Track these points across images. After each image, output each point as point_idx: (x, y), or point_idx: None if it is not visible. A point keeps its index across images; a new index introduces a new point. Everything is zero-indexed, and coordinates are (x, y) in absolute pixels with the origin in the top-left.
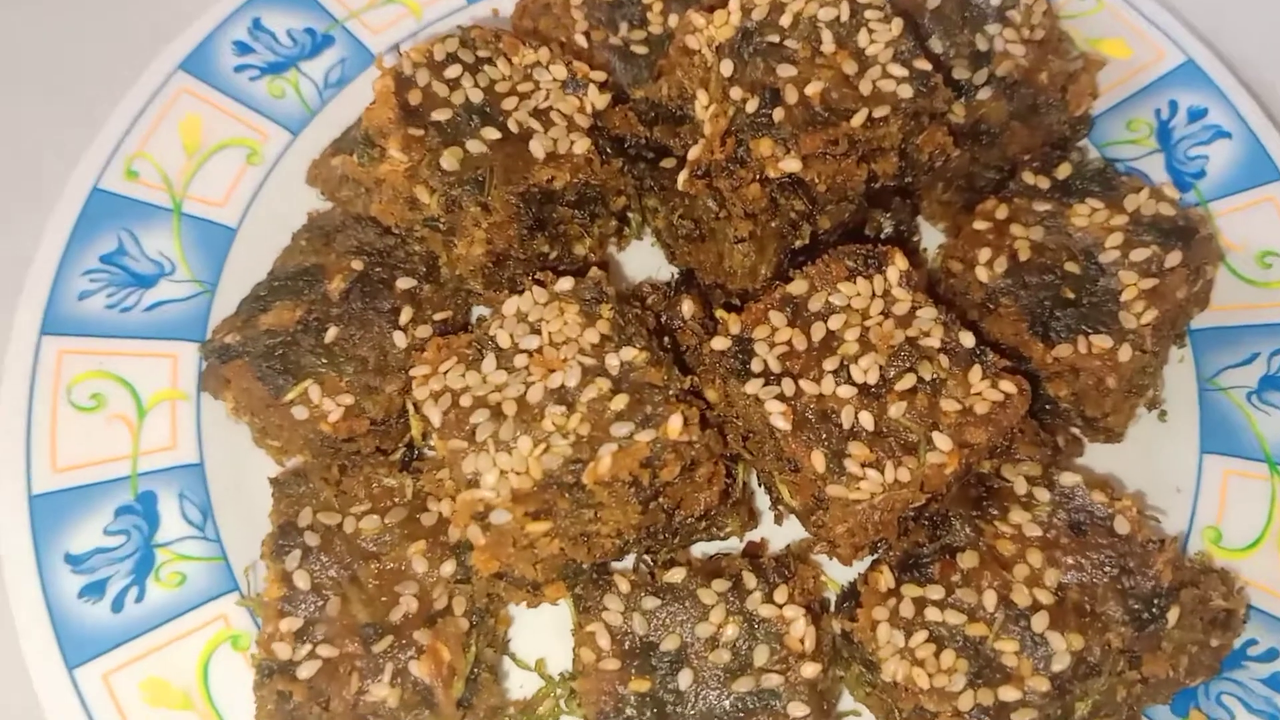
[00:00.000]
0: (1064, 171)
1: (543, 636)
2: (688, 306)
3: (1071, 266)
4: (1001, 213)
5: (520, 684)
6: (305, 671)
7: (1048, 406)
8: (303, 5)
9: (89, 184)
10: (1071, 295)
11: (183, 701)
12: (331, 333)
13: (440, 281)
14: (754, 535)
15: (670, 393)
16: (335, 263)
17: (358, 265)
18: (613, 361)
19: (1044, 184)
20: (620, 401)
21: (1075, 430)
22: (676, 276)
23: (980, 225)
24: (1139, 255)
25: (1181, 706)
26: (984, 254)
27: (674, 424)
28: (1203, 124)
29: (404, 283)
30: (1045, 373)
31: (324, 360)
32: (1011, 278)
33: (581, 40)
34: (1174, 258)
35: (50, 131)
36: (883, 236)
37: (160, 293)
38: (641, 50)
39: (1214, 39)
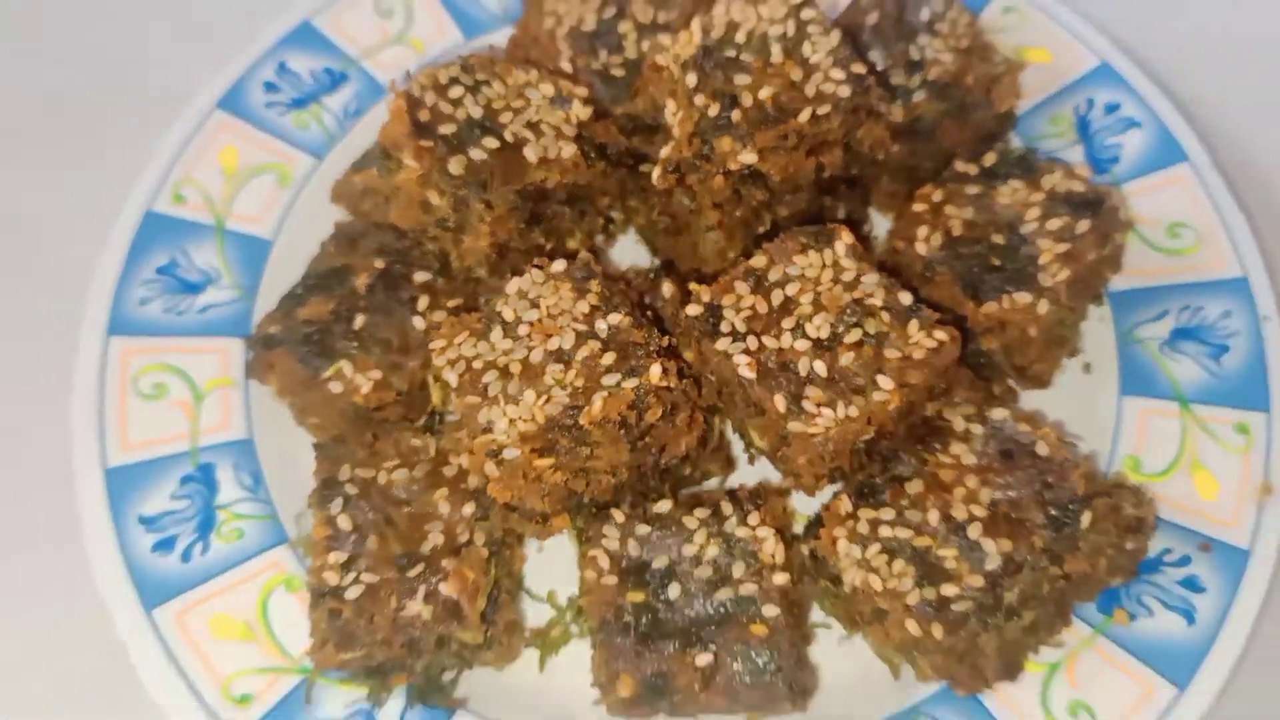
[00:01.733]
0: (990, 160)
1: (552, 576)
2: (666, 287)
3: (997, 238)
4: (937, 196)
5: (533, 617)
6: (351, 594)
7: (982, 360)
8: (322, 48)
9: (142, 207)
10: (997, 262)
11: (245, 633)
12: (359, 320)
13: (451, 274)
14: (732, 482)
15: (651, 348)
16: (360, 263)
17: (380, 264)
18: (601, 326)
19: (973, 171)
20: (609, 358)
21: (1010, 381)
22: (657, 265)
23: (919, 208)
24: (1054, 225)
25: (1106, 605)
26: (922, 231)
27: (654, 372)
28: (1117, 116)
29: (420, 276)
30: (978, 329)
31: (354, 344)
32: (946, 250)
33: (567, 66)
34: (1083, 225)
35: (106, 162)
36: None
37: (208, 298)
38: (619, 73)
39: (1128, 43)
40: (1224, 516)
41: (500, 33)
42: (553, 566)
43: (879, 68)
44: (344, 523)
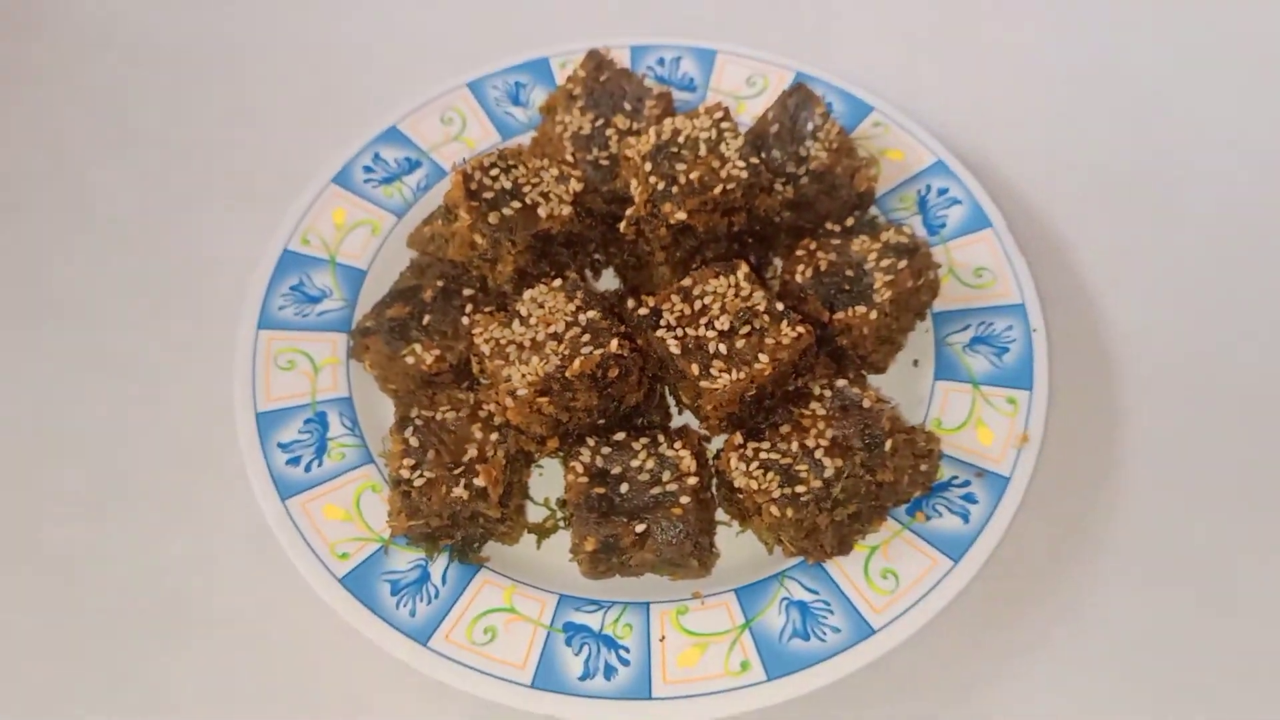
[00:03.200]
0: (849, 222)
1: (548, 488)
2: (630, 302)
3: (849, 272)
4: (812, 246)
5: (534, 515)
6: (417, 483)
7: (838, 352)
8: (404, 144)
9: (281, 246)
10: (848, 287)
11: (345, 516)
12: (426, 319)
13: (488, 291)
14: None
15: (614, 332)
16: (427, 283)
17: (440, 284)
18: (582, 318)
19: (837, 229)
20: (586, 337)
21: (860, 369)
22: (625, 289)
23: (800, 253)
24: (884, 263)
25: (912, 510)
26: (800, 267)
27: (614, 344)
28: (945, 197)
29: (467, 291)
30: (833, 331)
31: (423, 334)
32: (814, 279)
33: (569, 158)
34: (902, 263)
35: (258, 217)
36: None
37: (324, 307)
38: (605, 162)
39: (957, 146)
40: (994, 456)
41: (526, 135)
42: (548, 482)
43: (777, 160)
44: (413, 441)
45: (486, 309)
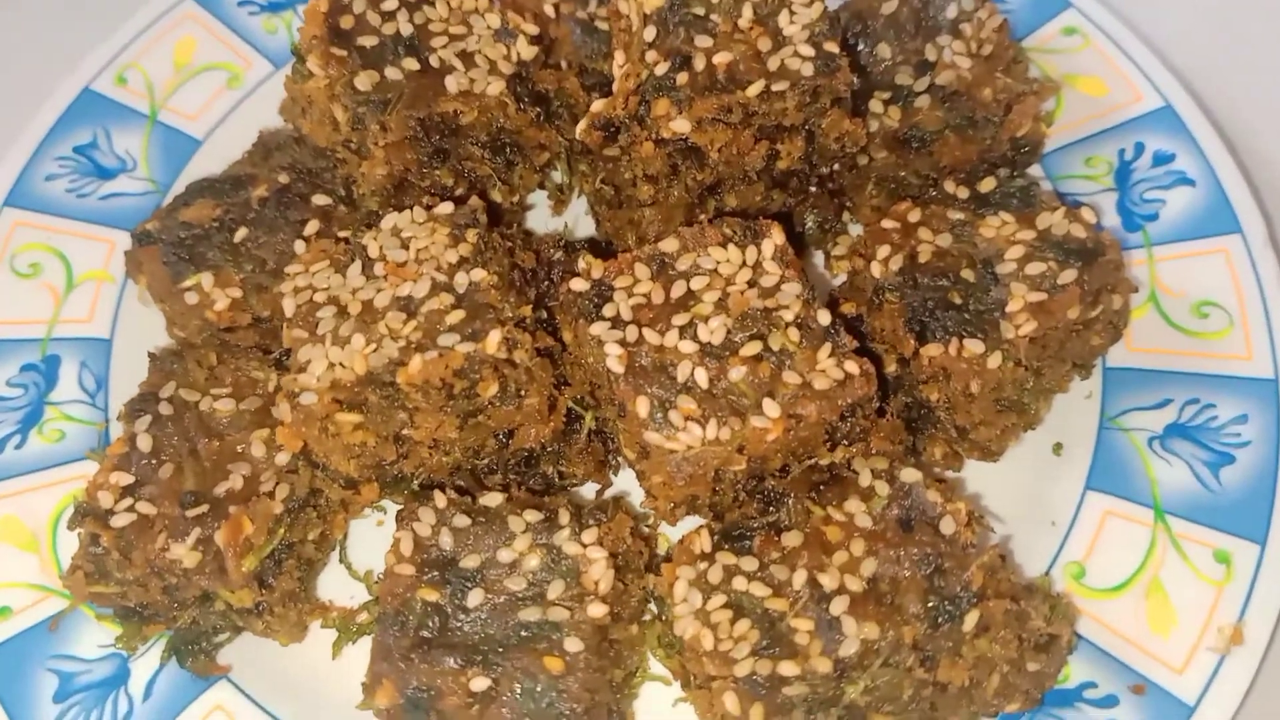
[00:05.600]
0: (987, 185)
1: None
2: (584, 261)
3: (967, 274)
4: (914, 215)
5: (351, 595)
6: (119, 521)
7: (923, 411)
8: None
9: (81, 83)
10: (958, 300)
11: (30, 544)
12: (240, 233)
13: (354, 206)
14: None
15: (504, 315)
16: (265, 175)
17: (284, 179)
18: (461, 280)
19: (963, 194)
20: (456, 316)
21: (956, 447)
22: (579, 237)
23: (888, 224)
24: (1034, 269)
25: None
26: (883, 251)
27: (492, 339)
28: (1167, 169)
29: (319, 199)
30: (919, 374)
31: (227, 256)
32: (904, 276)
33: (550, 11)
34: (1068, 275)
35: (69, 36)
36: (806, 231)
37: (116, 186)
38: (605, 26)
39: (1200, 90)
40: (1172, 659)
41: None
42: (383, 538)
43: (884, 60)
44: (144, 443)
45: (339, 234)
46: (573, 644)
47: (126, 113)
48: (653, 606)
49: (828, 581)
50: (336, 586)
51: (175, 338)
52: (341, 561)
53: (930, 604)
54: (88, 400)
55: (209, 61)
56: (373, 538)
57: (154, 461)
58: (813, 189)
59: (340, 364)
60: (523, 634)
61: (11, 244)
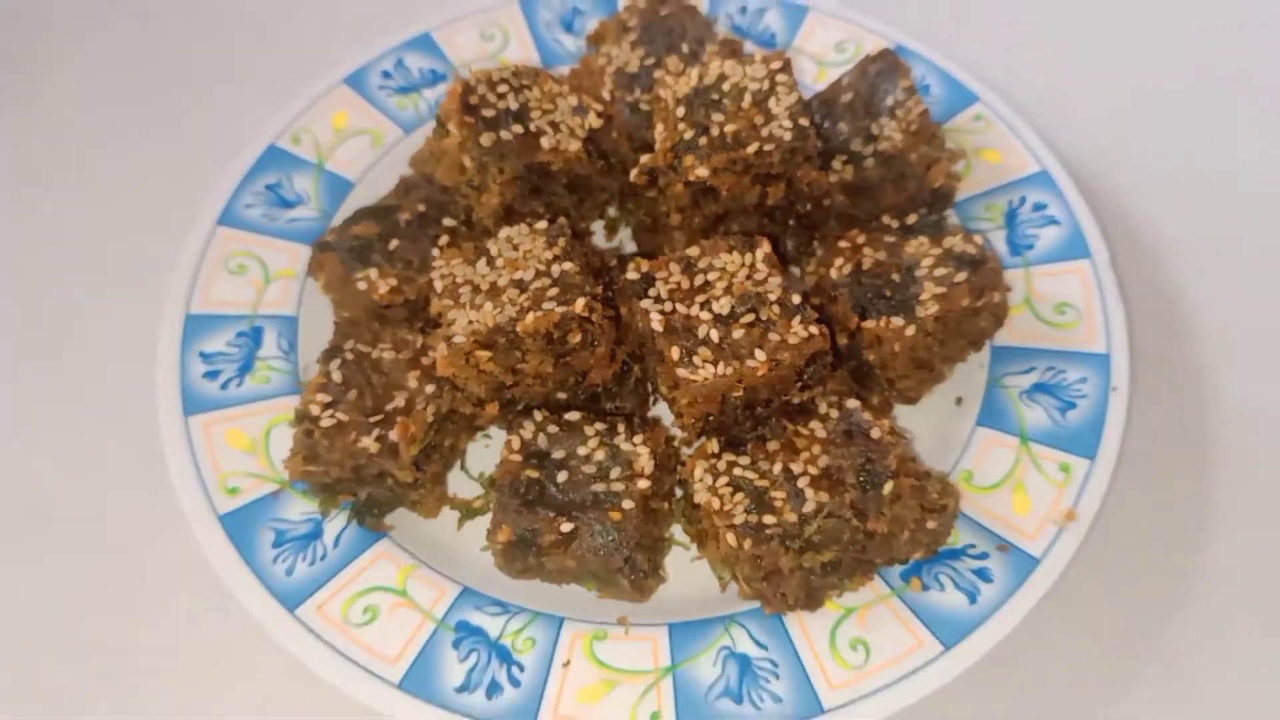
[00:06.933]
0: (911, 220)
1: (489, 465)
2: (633, 266)
3: (895, 276)
4: (860, 239)
5: (466, 491)
6: (325, 423)
7: (863, 369)
8: (433, 53)
9: (268, 140)
10: (888, 293)
11: (250, 447)
12: (393, 243)
13: (471, 226)
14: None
15: (585, 290)
16: (408, 205)
17: (421, 208)
18: (556, 269)
19: (895, 225)
20: (554, 290)
21: (887, 398)
22: (634, 251)
23: (842, 244)
24: (939, 273)
25: (907, 575)
26: (838, 261)
27: (579, 304)
28: (1041, 214)
29: (448, 221)
30: (862, 341)
31: (385, 258)
32: (852, 278)
33: (607, 96)
34: (961, 276)
35: (252, 110)
36: (787, 251)
37: (295, 213)
38: (646, 108)
39: (1067, 156)
40: (1027, 530)
41: (569, 67)
42: (491, 457)
43: (842, 134)
44: (336, 375)
45: (463, 246)
46: (627, 504)
47: (301, 163)
48: (678, 492)
49: (796, 469)
50: (459, 485)
51: (341, 317)
52: (463, 469)
53: (862, 479)
54: (283, 356)
55: (358, 127)
56: (483, 456)
57: (344, 388)
58: (791, 222)
59: (476, 321)
60: (594, 498)
61: (225, 251)
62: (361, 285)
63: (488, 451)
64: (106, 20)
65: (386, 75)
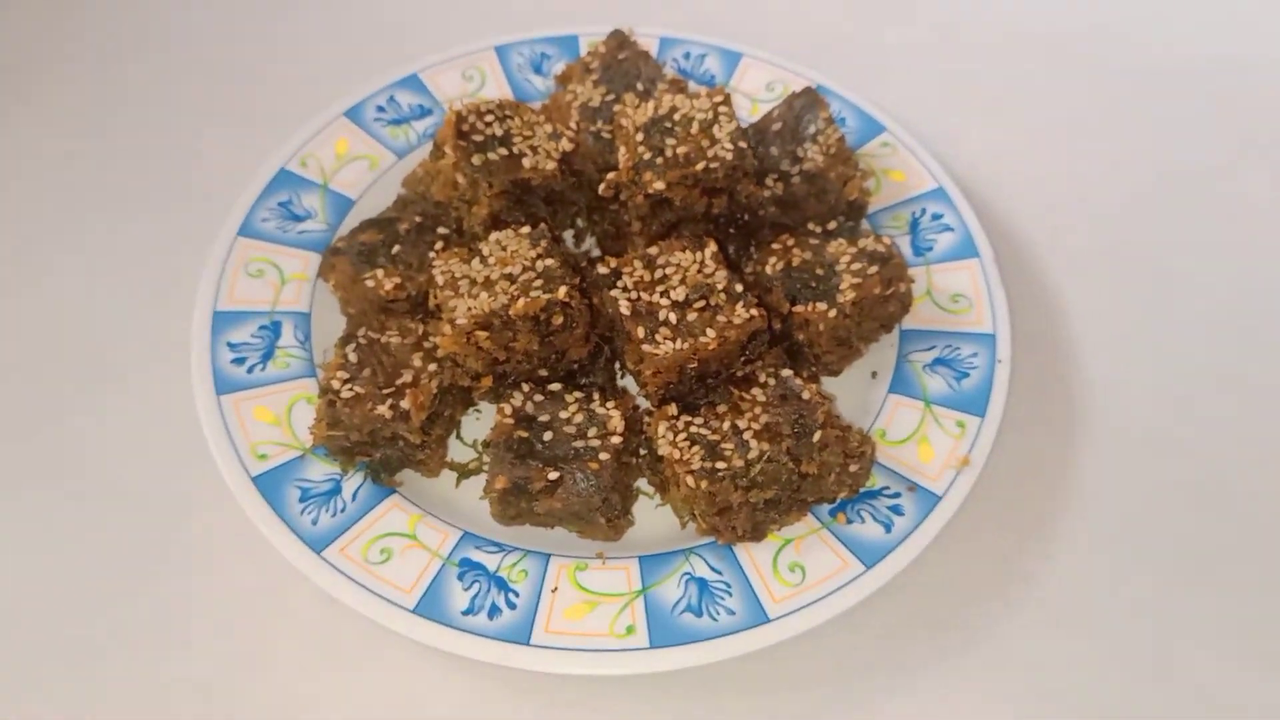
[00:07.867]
0: (832, 226)
1: (478, 433)
2: (601, 265)
3: (819, 271)
4: (790, 242)
5: (460, 457)
6: (345, 395)
7: (795, 348)
8: (420, 91)
9: (278, 164)
10: (814, 284)
11: (274, 421)
12: (395, 249)
13: (462, 234)
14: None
15: (566, 280)
16: (406, 217)
17: (417, 219)
18: (540, 265)
19: (818, 230)
20: (539, 281)
21: (814, 369)
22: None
23: (775, 246)
24: (855, 267)
25: (835, 511)
26: (772, 259)
27: (562, 291)
28: (939, 222)
29: (442, 230)
30: (793, 324)
31: (389, 261)
32: (784, 273)
33: (573, 126)
34: (872, 270)
35: (264, 145)
36: (730, 253)
37: (305, 226)
38: (608, 136)
39: (959, 175)
40: (931, 473)
41: (539, 103)
42: (482, 427)
43: (773, 156)
44: (353, 357)
45: (456, 250)
46: (604, 456)
47: (308, 183)
48: (642, 450)
49: (741, 425)
50: (455, 451)
51: (347, 313)
52: (458, 438)
53: (796, 430)
54: (299, 345)
55: (357, 153)
56: (475, 426)
57: (359, 367)
58: (732, 230)
59: (474, 307)
60: (575, 452)
61: (245, 257)
62: (369, 283)
63: (479, 423)
64: (138, 75)
65: (380, 109)
